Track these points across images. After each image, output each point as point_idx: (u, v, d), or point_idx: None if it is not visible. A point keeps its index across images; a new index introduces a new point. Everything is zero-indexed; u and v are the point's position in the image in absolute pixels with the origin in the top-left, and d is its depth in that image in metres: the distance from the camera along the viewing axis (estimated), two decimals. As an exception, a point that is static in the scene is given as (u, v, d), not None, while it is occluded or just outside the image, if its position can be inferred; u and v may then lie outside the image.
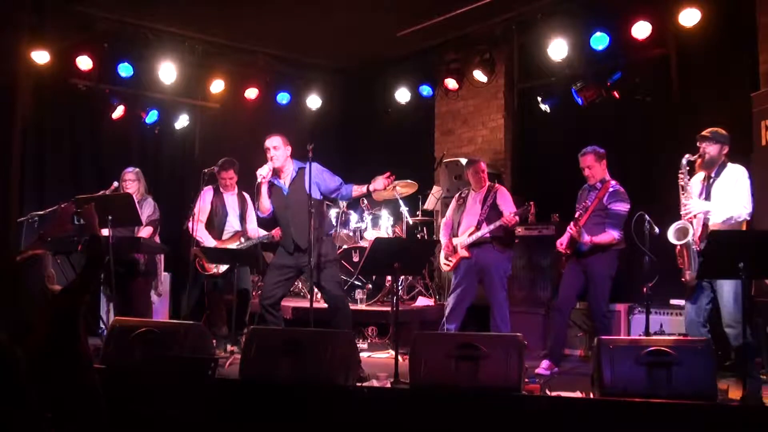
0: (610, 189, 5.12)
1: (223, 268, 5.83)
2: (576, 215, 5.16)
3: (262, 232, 6.15)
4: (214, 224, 6.04)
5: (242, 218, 6.14)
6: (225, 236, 6.04)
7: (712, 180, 4.35)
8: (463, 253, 5.46)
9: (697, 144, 4.36)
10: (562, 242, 5.20)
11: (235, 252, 5.71)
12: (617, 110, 6.43)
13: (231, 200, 6.13)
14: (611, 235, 4.99)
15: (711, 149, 4.31)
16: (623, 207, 5.03)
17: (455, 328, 5.41)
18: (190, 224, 5.85)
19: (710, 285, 4.27)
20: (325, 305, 5.16)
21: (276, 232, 6.12)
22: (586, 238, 4.97)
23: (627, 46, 6.05)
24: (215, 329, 5.91)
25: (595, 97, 6.33)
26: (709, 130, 4.35)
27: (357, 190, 5.04)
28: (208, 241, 5.89)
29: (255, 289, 7.18)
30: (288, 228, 5.03)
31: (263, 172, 4.91)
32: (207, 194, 6.05)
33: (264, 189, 4.99)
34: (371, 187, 4.97)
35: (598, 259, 5.07)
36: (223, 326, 5.99)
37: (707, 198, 4.35)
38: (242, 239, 6.04)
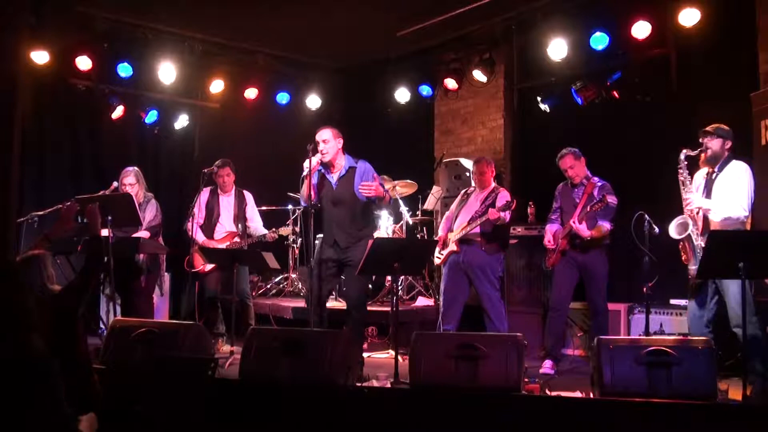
0: (598, 183, 5.19)
1: (210, 266, 5.84)
2: (552, 215, 5.35)
3: (264, 231, 6.14)
4: (208, 224, 6.08)
5: (239, 218, 6.13)
6: (216, 236, 6.07)
7: (714, 175, 4.37)
8: (452, 247, 5.45)
9: (700, 140, 4.38)
10: (551, 241, 5.27)
11: (236, 252, 5.70)
12: (617, 110, 6.43)
13: (226, 201, 6.14)
14: (605, 227, 5.07)
15: (713, 144, 4.34)
16: (614, 199, 5.09)
17: (453, 329, 5.40)
18: (189, 224, 5.87)
19: (716, 285, 4.26)
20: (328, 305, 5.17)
21: (270, 234, 6.12)
22: (587, 233, 5.00)
23: (627, 46, 6.05)
24: (212, 328, 5.89)
25: (595, 97, 6.34)
26: (712, 126, 4.39)
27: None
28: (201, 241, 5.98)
29: (254, 290, 7.19)
30: (330, 223, 4.99)
31: (308, 165, 4.83)
32: (203, 195, 6.08)
33: (307, 182, 4.87)
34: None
35: (595, 257, 5.13)
36: (221, 324, 6.02)
37: (707, 194, 4.35)
38: (236, 239, 6.04)
